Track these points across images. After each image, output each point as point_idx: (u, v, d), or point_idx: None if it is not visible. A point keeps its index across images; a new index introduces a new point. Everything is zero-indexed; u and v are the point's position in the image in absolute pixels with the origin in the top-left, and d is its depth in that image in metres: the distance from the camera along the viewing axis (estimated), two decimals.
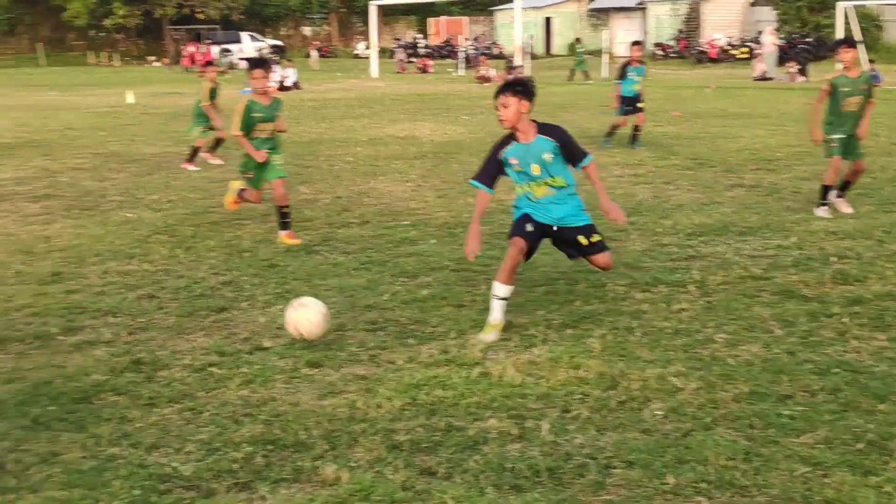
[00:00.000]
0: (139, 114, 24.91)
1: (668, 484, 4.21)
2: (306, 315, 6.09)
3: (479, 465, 4.41)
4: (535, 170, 6.43)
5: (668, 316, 6.63)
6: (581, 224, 6.63)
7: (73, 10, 66.87)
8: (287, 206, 9.31)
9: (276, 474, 4.37)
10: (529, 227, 6.55)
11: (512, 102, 6.34)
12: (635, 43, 17.23)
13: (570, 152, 6.51)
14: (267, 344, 6.20)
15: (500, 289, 6.39)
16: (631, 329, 6.31)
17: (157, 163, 15.33)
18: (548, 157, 6.40)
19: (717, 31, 54.76)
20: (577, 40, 45.17)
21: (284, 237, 9.23)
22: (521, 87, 6.41)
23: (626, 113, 16.44)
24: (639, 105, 16.43)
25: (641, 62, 16.62)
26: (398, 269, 8.16)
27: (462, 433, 4.76)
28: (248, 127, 9.19)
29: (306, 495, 4.19)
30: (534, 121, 6.49)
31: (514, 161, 6.47)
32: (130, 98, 29.18)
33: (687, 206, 10.79)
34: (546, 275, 7.80)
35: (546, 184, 6.47)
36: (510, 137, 6.50)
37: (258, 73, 9.12)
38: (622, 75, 16.57)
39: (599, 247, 6.62)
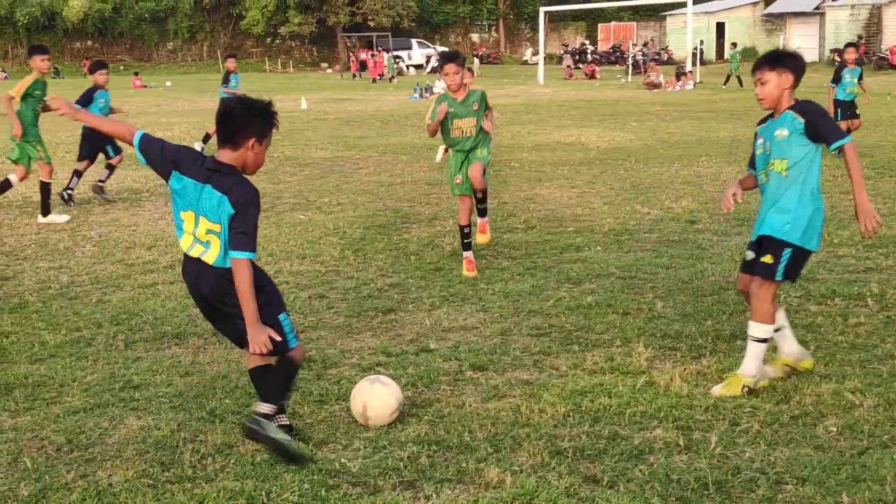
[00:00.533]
0: (312, 119, 25.63)
1: (842, 502, 4.05)
2: (381, 396, 5.01)
3: (645, 475, 4.35)
4: (763, 149, 5.35)
5: (844, 330, 6.38)
6: (768, 231, 5.28)
7: (251, 18, 69.51)
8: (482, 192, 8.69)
9: (440, 475, 4.41)
10: (749, 255, 5.46)
11: (771, 77, 5.19)
12: (849, 45, 16.78)
13: (817, 132, 5.13)
14: (432, 346, 6.27)
15: (758, 329, 5.33)
16: (805, 342, 6.08)
17: (329, 166, 15.73)
18: (782, 133, 5.21)
19: None
20: (733, 45, 44.15)
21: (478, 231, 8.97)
22: (783, 58, 5.28)
23: (843, 118, 15.97)
24: (856, 111, 16.03)
25: (858, 64, 16.16)
26: (563, 275, 8.12)
27: (627, 442, 4.70)
28: (443, 126, 8.24)
29: (470, 497, 4.21)
30: (795, 99, 5.28)
31: (760, 140, 5.40)
32: (304, 103, 30.07)
33: None
34: (715, 284, 7.62)
35: (765, 171, 5.33)
36: (769, 116, 5.38)
37: (450, 67, 8.04)
38: (837, 78, 16.29)
39: (760, 269, 5.28)
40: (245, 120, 4.43)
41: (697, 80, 39.23)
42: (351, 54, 64.35)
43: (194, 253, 4.53)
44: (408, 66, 60.86)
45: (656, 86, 37.24)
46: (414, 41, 65.56)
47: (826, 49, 55.91)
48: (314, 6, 67.63)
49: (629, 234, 9.80)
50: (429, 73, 53.06)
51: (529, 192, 12.63)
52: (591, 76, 49.07)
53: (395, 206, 11.72)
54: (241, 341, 4.58)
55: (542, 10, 48.33)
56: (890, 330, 6.34)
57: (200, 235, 4.48)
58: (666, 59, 58.18)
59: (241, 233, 4.34)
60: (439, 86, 36.08)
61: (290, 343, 4.60)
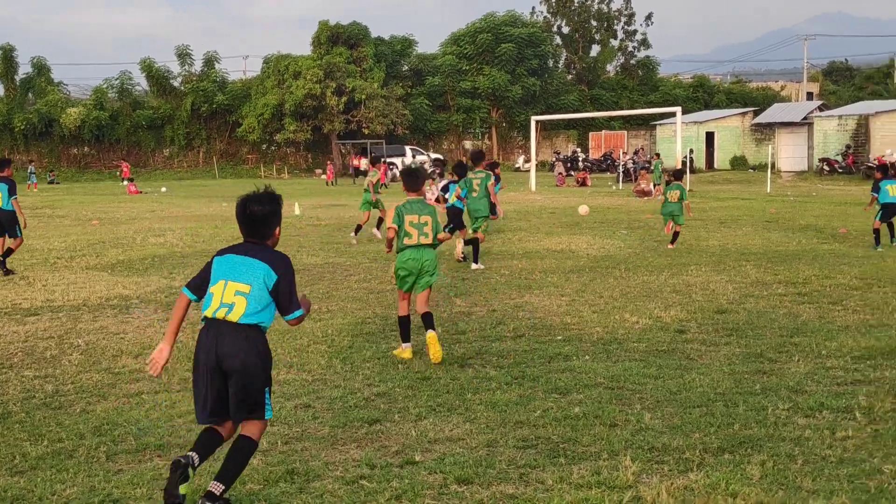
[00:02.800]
0: (305, 225, 25.79)
1: None
2: None
3: None
4: None
5: (832, 443, 6.33)
6: None
7: (247, 125, 70.51)
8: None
9: None
10: None
11: None
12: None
13: None
14: (417, 458, 6.21)
15: None
16: (793, 456, 6.04)
17: (320, 273, 15.77)
18: None
19: (887, 146, 53.20)
20: (657, 156, 45.34)
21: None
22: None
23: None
24: None
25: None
26: (551, 385, 8.09)
27: None
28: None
29: None
30: None
31: None
32: (297, 210, 30.30)
33: (854, 327, 10.38)
34: (704, 395, 7.59)
35: None
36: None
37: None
38: (876, 188, 18.53)
39: None
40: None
41: (688, 189, 39.63)
42: (348, 161, 65.29)
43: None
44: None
45: (647, 194, 37.64)
46: (408, 148, 66.42)
47: (815, 158, 56.70)
48: (309, 114, 68.67)
49: (618, 343, 9.80)
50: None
51: (519, 300, 12.65)
52: (583, 183, 49.60)
53: (384, 314, 11.72)
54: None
55: (534, 118, 49.07)
56: (878, 444, 6.30)
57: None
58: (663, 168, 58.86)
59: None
60: (434, 189, 36.41)
61: (268, 412, 5.41)
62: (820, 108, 62.64)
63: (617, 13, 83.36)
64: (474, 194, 16.29)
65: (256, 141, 72.30)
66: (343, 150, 70.73)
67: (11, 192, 15.75)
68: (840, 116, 57.65)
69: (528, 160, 60.55)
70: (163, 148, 75.32)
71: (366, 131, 68.14)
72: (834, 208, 29.71)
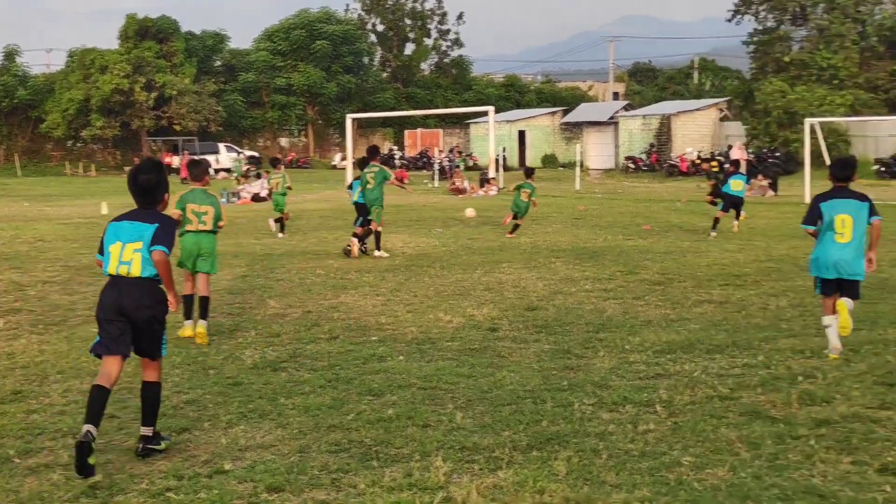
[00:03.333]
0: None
1: None
2: None
3: None
4: None
5: (634, 437, 6.57)
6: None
7: (51, 121, 67.53)
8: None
9: None
10: None
11: None
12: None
13: None
14: (227, 467, 6.09)
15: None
16: (597, 451, 6.24)
17: None
18: None
19: (689, 144, 55.81)
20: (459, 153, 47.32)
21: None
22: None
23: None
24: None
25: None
26: (365, 386, 8.09)
27: None
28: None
29: None
30: None
31: None
32: (105, 209, 29.21)
33: (655, 322, 10.82)
34: (514, 393, 7.75)
35: None
36: None
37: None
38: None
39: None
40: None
41: (501, 187, 40.42)
42: (159, 157, 63.46)
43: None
44: (216, 171, 60.28)
45: (461, 191, 38.19)
46: (221, 145, 65.17)
47: (621, 156, 58.84)
48: (117, 110, 66.40)
49: (431, 342, 9.89)
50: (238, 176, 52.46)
51: (334, 300, 12.60)
52: (400, 181, 49.76)
53: None
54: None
55: (350, 116, 48.96)
56: (677, 437, 6.58)
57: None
58: (471, 165, 59.81)
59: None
60: (252, 188, 35.86)
61: (164, 351, 6.72)
62: (625, 108, 65.06)
63: (430, 12, 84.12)
64: (369, 186, 17.53)
65: (61, 137, 69.19)
66: (154, 147, 68.68)
67: None
68: (644, 116, 60.08)
69: (344, 158, 60.38)
70: None
71: (177, 128, 66.45)
72: (638, 205, 30.89)
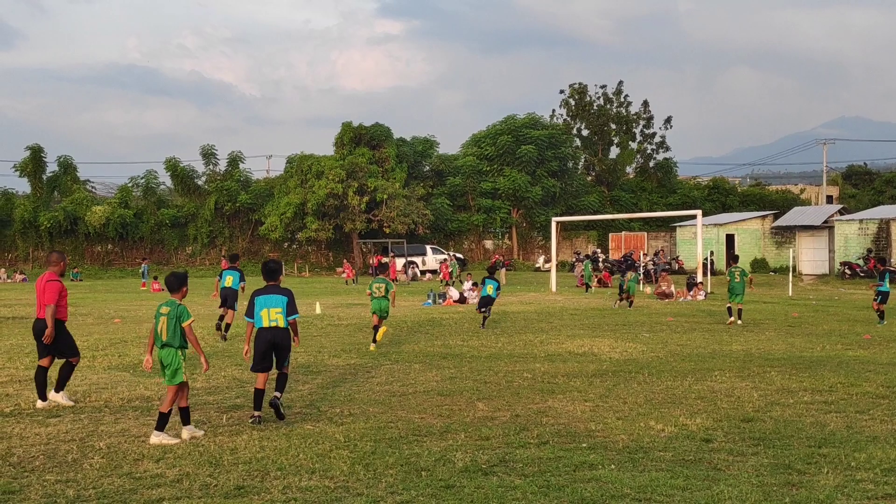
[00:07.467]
0: (326, 325, 25.74)
1: None
2: None
3: None
4: None
5: None
6: None
7: (269, 223, 71.16)
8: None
9: None
10: None
11: None
12: None
13: None
14: None
15: None
16: None
17: (342, 375, 15.72)
18: None
19: None
20: (587, 256, 46.87)
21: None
22: None
23: None
24: None
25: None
26: (577, 495, 7.97)
27: None
28: None
29: None
30: None
31: None
32: (318, 308, 30.31)
33: (882, 437, 10.23)
34: None
35: None
36: None
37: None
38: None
39: None
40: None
41: (709, 291, 39.54)
42: (347, 260, 65.73)
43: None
44: (423, 272, 61.70)
45: (668, 296, 37.51)
46: (428, 247, 66.72)
47: (836, 261, 56.61)
48: (331, 213, 69.31)
49: (643, 451, 9.67)
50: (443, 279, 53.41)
51: (542, 405, 12.55)
52: (604, 284, 49.51)
53: (407, 418, 11.64)
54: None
55: (554, 219, 49.30)
56: None
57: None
58: (677, 268, 58.87)
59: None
60: (463, 288, 36.52)
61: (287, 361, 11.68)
62: (840, 212, 62.75)
63: (636, 116, 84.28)
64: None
65: (278, 239, 72.85)
66: (364, 249, 71.14)
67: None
68: (861, 220, 57.72)
69: (548, 260, 60.65)
70: (185, 245, 76.07)
71: (387, 230, 68.60)
72: (857, 313, 29.53)
